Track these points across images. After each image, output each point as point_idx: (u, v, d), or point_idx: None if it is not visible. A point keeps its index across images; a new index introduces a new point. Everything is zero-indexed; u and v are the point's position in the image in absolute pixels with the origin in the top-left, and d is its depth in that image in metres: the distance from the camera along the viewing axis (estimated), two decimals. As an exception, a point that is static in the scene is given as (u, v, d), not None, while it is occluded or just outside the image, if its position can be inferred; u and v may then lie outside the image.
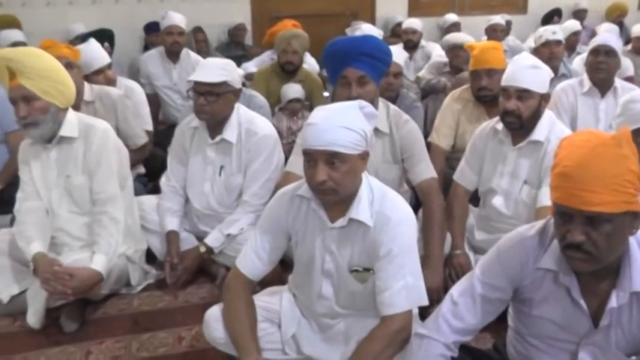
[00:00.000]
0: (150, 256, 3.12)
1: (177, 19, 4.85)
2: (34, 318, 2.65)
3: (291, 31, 4.72)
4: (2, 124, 3.66)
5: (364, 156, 1.90)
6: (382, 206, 1.93)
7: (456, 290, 1.80)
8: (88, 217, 2.80)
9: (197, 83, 2.87)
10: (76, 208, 2.80)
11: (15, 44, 5.07)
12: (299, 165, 2.72)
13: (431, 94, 4.49)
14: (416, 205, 2.82)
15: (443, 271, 2.59)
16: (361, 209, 1.92)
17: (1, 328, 2.73)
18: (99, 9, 6.50)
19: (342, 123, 1.81)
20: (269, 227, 2.10)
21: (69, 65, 3.24)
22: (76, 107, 3.13)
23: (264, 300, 2.19)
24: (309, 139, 1.83)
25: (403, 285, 1.89)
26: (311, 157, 1.84)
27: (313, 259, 2.04)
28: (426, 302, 1.96)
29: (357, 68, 2.57)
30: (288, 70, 4.55)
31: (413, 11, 7.57)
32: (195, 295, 2.95)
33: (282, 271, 2.61)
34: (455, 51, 4.82)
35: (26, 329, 2.68)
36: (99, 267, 2.61)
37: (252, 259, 2.10)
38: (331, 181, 1.83)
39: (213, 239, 2.98)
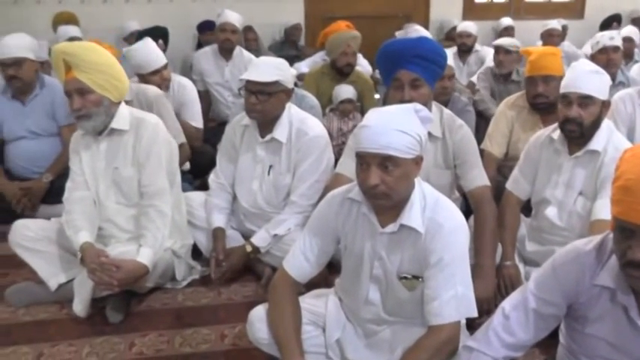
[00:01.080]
0: (195, 252, 3.12)
1: (232, 16, 4.89)
2: (80, 306, 2.69)
3: (349, 33, 4.69)
4: (57, 118, 3.74)
5: (418, 161, 1.86)
6: (434, 213, 1.88)
7: (508, 303, 1.75)
8: (135, 209, 2.81)
9: (249, 82, 2.86)
10: (124, 200, 2.82)
11: (71, 39, 5.12)
12: (349, 167, 2.70)
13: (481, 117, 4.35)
14: (466, 212, 2.74)
15: (494, 282, 2.52)
16: (413, 215, 1.87)
17: (49, 315, 2.78)
18: (154, 7, 6.61)
19: (396, 126, 1.78)
20: (318, 229, 2.07)
21: None
22: None
23: (309, 302, 2.17)
24: (362, 141, 1.80)
25: (453, 295, 1.84)
26: (364, 160, 1.81)
27: (362, 264, 2.00)
28: (475, 314, 1.90)
29: (410, 71, 2.52)
30: (347, 72, 4.53)
31: (468, 14, 7.47)
32: (239, 294, 2.94)
33: (328, 273, 2.58)
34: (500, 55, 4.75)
35: (72, 317, 2.72)
36: (145, 260, 2.63)
37: (299, 260, 2.07)
38: (384, 185, 1.79)
39: (260, 239, 2.96)
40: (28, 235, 2.83)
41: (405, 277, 1.94)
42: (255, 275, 3.05)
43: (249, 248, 2.97)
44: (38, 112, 3.81)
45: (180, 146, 3.61)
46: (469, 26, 6.15)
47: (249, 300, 2.84)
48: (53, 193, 3.57)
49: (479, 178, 2.71)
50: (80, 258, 2.63)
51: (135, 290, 2.80)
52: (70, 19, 5.86)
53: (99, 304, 2.74)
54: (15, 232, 2.84)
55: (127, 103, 3.39)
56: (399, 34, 5.15)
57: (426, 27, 6.78)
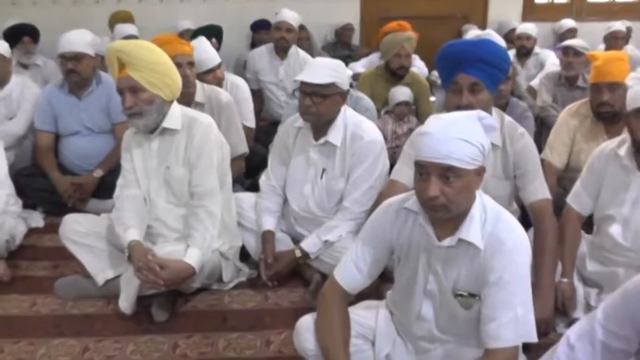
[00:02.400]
0: (244, 254, 3.09)
1: (289, 15, 4.85)
2: (125, 303, 2.69)
3: (404, 34, 4.60)
4: (111, 115, 3.77)
5: (480, 172, 1.76)
6: (495, 228, 1.78)
7: (573, 332, 1.63)
8: (185, 209, 2.79)
9: (304, 83, 2.80)
10: (174, 199, 2.80)
11: (128, 38, 5.19)
12: (405, 174, 2.62)
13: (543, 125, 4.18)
14: (523, 224, 2.63)
15: (552, 302, 2.40)
16: (472, 230, 1.78)
17: (96, 310, 2.81)
18: (209, 6, 6.63)
19: (459, 134, 1.68)
20: (371, 239, 1.99)
21: (191, 64, 3.32)
22: (187, 106, 3.14)
23: (359, 314, 2.08)
24: (422, 149, 1.71)
25: (512, 317, 1.73)
26: (423, 169, 1.72)
27: (415, 278, 1.91)
28: (535, 338, 1.78)
29: (470, 74, 2.41)
30: (401, 74, 4.44)
31: (527, 15, 7.22)
32: (286, 299, 2.88)
33: (380, 283, 2.49)
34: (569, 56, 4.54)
35: (118, 313, 2.72)
36: (192, 261, 2.60)
37: (351, 270, 2.00)
38: (443, 196, 1.70)
39: (310, 244, 2.90)
40: (78, 230, 2.85)
41: (461, 295, 1.84)
42: (303, 281, 2.99)
43: (298, 253, 2.91)
44: (93, 108, 3.86)
45: (241, 156, 3.65)
46: (529, 28, 5.91)
47: (296, 306, 2.79)
48: (103, 188, 3.64)
49: (540, 190, 2.58)
50: (128, 256, 2.62)
51: (181, 290, 2.78)
52: (126, 18, 5.94)
53: (145, 302, 2.73)
54: (65, 226, 2.87)
55: (199, 105, 3.43)
56: (466, 35, 4.99)
57: (484, 28, 6.63)
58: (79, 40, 3.76)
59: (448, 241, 1.81)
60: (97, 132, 3.90)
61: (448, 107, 2.50)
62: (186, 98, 3.37)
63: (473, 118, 1.75)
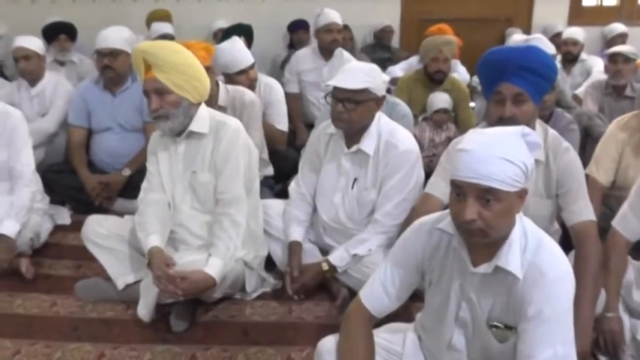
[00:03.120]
0: (269, 263, 2.98)
1: (336, 16, 4.72)
2: (144, 310, 2.62)
3: (443, 37, 4.46)
4: (144, 114, 3.74)
5: (522, 194, 1.62)
6: (536, 257, 1.64)
7: None
8: (210, 216, 2.70)
9: (336, 88, 2.68)
10: (199, 206, 2.72)
11: (163, 36, 5.28)
12: (440, 188, 2.48)
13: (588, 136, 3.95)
14: (564, 244, 2.45)
15: (591, 336, 2.22)
16: (511, 257, 1.63)
17: (114, 314, 2.75)
18: (247, 5, 6.56)
19: (501, 153, 1.55)
20: (402, 260, 1.87)
21: (208, 70, 3.19)
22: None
23: (385, 338, 1.96)
24: (460, 168, 1.58)
25: (552, 355, 1.58)
26: (460, 189, 1.59)
27: (447, 304, 1.78)
28: None
29: (514, 84, 2.25)
30: (438, 79, 4.30)
31: (574, 19, 6.88)
32: (311, 313, 2.76)
33: (410, 303, 2.32)
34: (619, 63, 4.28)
35: (137, 320, 2.65)
36: (213, 272, 2.50)
37: (378, 292, 1.87)
38: (481, 220, 1.56)
39: (338, 258, 2.77)
40: (101, 232, 2.80)
41: (496, 326, 1.71)
42: (329, 294, 2.85)
43: (325, 267, 2.79)
44: (126, 105, 3.84)
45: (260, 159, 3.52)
46: (576, 32, 5.58)
47: (321, 322, 2.68)
48: (131, 188, 3.57)
49: (584, 211, 2.40)
50: (148, 262, 2.55)
51: (202, 299, 2.69)
52: (164, 17, 5.93)
53: (164, 310, 2.65)
54: (87, 228, 2.82)
55: (222, 109, 3.33)
56: (514, 41, 4.75)
57: (528, 32, 6.41)
58: (116, 36, 3.76)
59: (484, 268, 1.67)
60: (128, 130, 3.88)
61: (489, 119, 2.37)
62: (207, 102, 3.29)
63: (516, 135, 1.61)
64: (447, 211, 1.73)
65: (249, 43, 5.17)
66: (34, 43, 4.10)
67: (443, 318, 1.80)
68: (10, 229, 3.00)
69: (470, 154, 1.57)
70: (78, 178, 3.79)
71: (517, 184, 1.57)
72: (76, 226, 3.22)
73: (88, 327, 2.65)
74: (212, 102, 3.30)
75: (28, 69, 4.08)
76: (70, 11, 6.08)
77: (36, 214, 3.26)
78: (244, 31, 5.01)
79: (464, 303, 1.75)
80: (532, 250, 1.64)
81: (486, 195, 1.55)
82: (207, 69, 3.21)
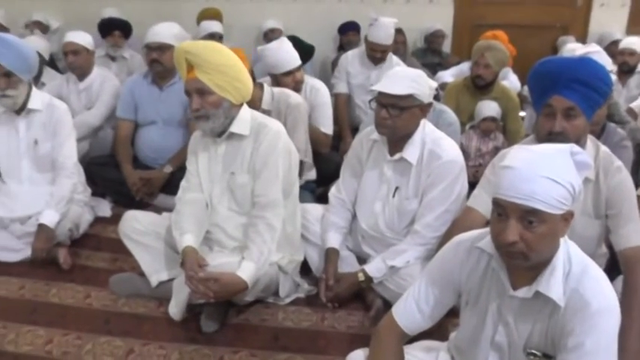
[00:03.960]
0: (304, 268, 2.93)
1: (387, 35, 4.60)
2: (175, 309, 2.61)
3: (487, 42, 4.33)
4: (188, 110, 3.71)
5: (567, 217, 1.54)
6: (580, 285, 1.55)
7: None
8: (246, 218, 2.67)
9: (381, 94, 2.61)
10: (236, 207, 2.69)
11: (212, 35, 5.30)
12: (483, 202, 2.40)
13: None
14: (611, 270, 2.33)
15: None
16: (553, 283, 1.55)
17: (146, 311, 2.75)
18: (299, 6, 6.51)
19: (547, 172, 1.47)
20: (438, 278, 1.80)
21: None
22: None
23: (417, 356, 1.89)
24: (503, 186, 1.51)
25: None
26: (502, 208, 1.52)
27: (483, 326, 1.71)
28: None
29: (566, 97, 2.14)
30: (478, 84, 4.19)
31: (633, 27, 6.55)
32: (344, 322, 2.70)
33: (445, 320, 2.24)
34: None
35: (168, 317, 2.64)
36: (245, 275, 2.47)
37: (411, 310, 1.82)
38: (523, 243, 1.49)
39: (375, 269, 2.69)
40: (137, 228, 2.79)
41: (534, 354, 1.63)
42: (363, 304, 2.79)
43: (361, 277, 2.71)
44: (172, 100, 3.84)
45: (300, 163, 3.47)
46: (634, 42, 5.30)
47: (353, 332, 2.62)
48: (173, 184, 3.55)
49: (634, 236, 2.27)
50: (181, 262, 2.54)
51: (234, 301, 2.66)
52: (214, 15, 5.93)
53: (196, 309, 2.64)
54: (124, 223, 2.83)
55: (266, 113, 3.28)
56: (568, 50, 4.59)
57: (584, 40, 6.19)
58: (166, 32, 3.80)
59: (524, 292, 1.60)
60: (172, 124, 3.88)
61: (538, 132, 2.27)
62: (251, 105, 3.26)
63: (564, 154, 1.53)
64: (488, 229, 1.65)
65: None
66: (84, 39, 4.16)
67: (478, 340, 1.73)
68: (49, 218, 3.05)
69: (514, 171, 1.50)
70: (120, 172, 3.83)
71: (562, 206, 1.49)
72: (116, 219, 3.22)
73: (119, 321, 2.67)
74: (256, 105, 3.29)
75: (76, 63, 4.14)
76: (124, 7, 6.16)
77: (76, 205, 3.30)
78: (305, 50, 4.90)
79: (501, 326, 1.68)
80: (576, 277, 1.56)
81: (529, 216, 1.48)
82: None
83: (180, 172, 3.36)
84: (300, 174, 3.51)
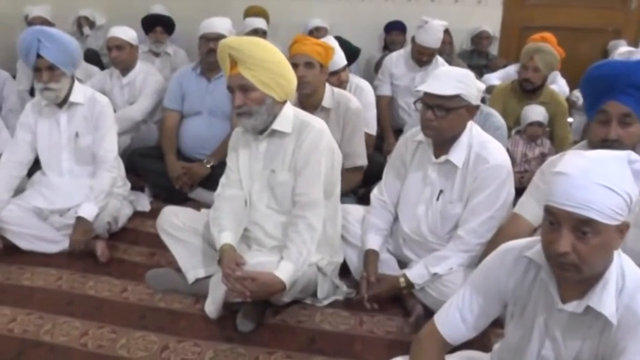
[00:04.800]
0: (343, 270, 2.87)
1: (435, 40, 4.54)
2: (211, 307, 2.59)
3: (537, 45, 4.21)
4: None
5: (623, 229, 1.45)
6: (634, 301, 1.46)
7: None
8: (286, 216, 2.62)
9: (426, 94, 2.54)
10: (276, 205, 2.64)
11: (255, 31, 5.32)
12: (531, 210, 2.32)
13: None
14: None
15: None
16: (605, 298, 1.47)
17: (182, 307, 2.73)
18: (345, 4, 6.44)
19: (603, 180, 1.39)
20: (483, 287, 1.73)
21: (309, 65, 3.18)
22: (312, 110, 3.11)
23: (458, 367, 1.83)
24: (556, 193, 1.43)
25: None
26: (555, 217, 1.43)
27: (529, 339, 1.63)
28: None
29: (622, 103, 2.05)
30: (525, 88, 4.09)
31: None
32: (382, 327, 2.62)
33: (488, 329, 2.17)
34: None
35: (203, 314, 2.63)
36: (284, 276, 2.41)
37: (454, 319, 1.75)
38: (575, 254, 1.41)
39: (416, 275, 2.61)
40: (175, 224, 2.77)
41: None
42: (403, 309, 2.70)
43: (402, 282, 2.63)
44: (219, 91, 3.81)
45: (360, 168, 3.46)
46: None
47: (392, 337, 2.55)
48: (212, 179, 3.57)
49: None
50: (218, 260, 2.50)
51: (271, 301, 2.61)
52: (259, 13, 5.93)
53: (232, 307, 2.60)
54: (163, 218, 2.81)
55: (326, 111, 3.30)
56: (620, 54, 4.43)
57: (636, 44, 5.99)
58: (222, 24, 3.93)
59: (573, 306, 1.52)
60: (217, 116, 3.89)
61: (591, 140, 2.17)
62: (312, 101, 3.27)
63: (621, 161, 1.45)
64: (537, 237, 1.58)
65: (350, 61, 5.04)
66: (128, 34, 4.21)
67: (523, 354, 1.66)
68: (88, 211, 3.08)
69: (568, 178, 1.42)
70: (162, 164, 3.85)
71: (618, 216, 1.41)
72: (155, 213, 3.22)
73: (155, 316, 2.66)
74: (317, 102, 3.26)
75: (119, 58, 4.20)
76: (171, 3, 6.17)
77: (115, 198, 3.31)
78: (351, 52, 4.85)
79: (547, 341, 1.60)
80: (630, 293, 1.47)
81: (583, 226, 1.40)
82: (310, 64, 3.17)
83: (220, 167, 3.36)
84: (367, 182, 3.50)
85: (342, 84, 3.67)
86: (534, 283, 1.62)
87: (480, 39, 6.28)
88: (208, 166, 3.75)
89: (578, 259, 1.41)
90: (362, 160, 3.43)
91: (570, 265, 1.43)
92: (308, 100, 3.27)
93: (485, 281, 1.73)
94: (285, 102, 2.57)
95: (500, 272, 1.68)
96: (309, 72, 3.17)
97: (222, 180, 2.73)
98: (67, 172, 3.29)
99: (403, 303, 2.72)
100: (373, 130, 3.95)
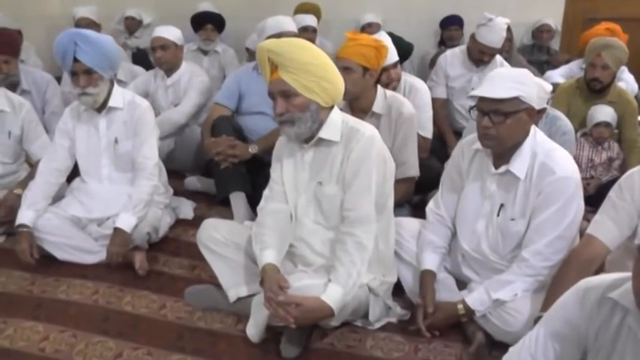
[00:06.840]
0: (397, 288, 2.65)
1: (497, 39, 4.25)
2: (253, 330, 2.43)
3: (604, 40, 3.92)
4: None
5: None
6: None
7: None
8: (334, 232, 2.41)
9: (481, 100, 2.30)
10: (323, 221, 2.45)
11: (305, 28, 5.15)
12: (607, 230, 2.07)
13: None
14: None
15: None
16: None
17: (222, 327, 2.59)
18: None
19: None
20: (560, 331, 1.52)
21: (347, 69, 2.94)
22: (362, 115, 2.95)
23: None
24: None
25: None
26: None
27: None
28: None
29: None
30: (593, 88, 3.81)
31: None
32: (439, 356, 2.39)
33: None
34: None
35: (245, 337, 2.46)
36: (331, 301, 2.21)
37: None
38: None
39: (478, 301, 2.37)
40: (216, 238, 2.61)
41: None
42: (463, 336, 2.47)
43: (462, 310, 2.39)
44: None
45: (411, 179, 3.23)
46: None
47: (450, 366, 2.34)
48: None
49: None
50: (260, 280, 2.33)
51: (318, 324, 2.43)
52: (310, 9, 5.77)
53: (276, 329, 2.42)
54: (203, 232, 2.65)
55: (376, 116, 3.11)
56: None
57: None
58: (285, 21, 3.84)
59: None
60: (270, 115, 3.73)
61: None
62: (362, 105, 3.08)
63: None
64: (623, 275, 1.36)
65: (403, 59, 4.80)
66: (172, 33, 4.13)
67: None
68: (125, 222, 2.97)
69: None
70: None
71: None
72: (198, 221, 3.10)
73: (193, 337, 2.51)
74: (367, 106, 3.09)
75: (164, 58, 4.13)
76: (219, 1, 6.07)
77: (156, 207, 3.20)
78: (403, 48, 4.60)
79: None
80: None
81: None
82: (348, 69, 2.95)
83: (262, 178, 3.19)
84: (423, 189, 3.33)
85: (391, 82, 3.46)
86: (620, 330, 1.41)
87: (540, 33, 5.98)
88: (252, 151, 3.51)
89: None
90: (414, 171, 3.19)
91: None
92: (357, 105, 3.06)
93: (562, 325, 1.51)
94: (331, 107, 2.38)
95: (581, 315, 1.47)
96: (347, 77, 2.88)
97: (266, 192, 2.55)
98: (107, 179, 3.19)
99: (463, 329, 2.48)
100: (429, 132, 3.72)
